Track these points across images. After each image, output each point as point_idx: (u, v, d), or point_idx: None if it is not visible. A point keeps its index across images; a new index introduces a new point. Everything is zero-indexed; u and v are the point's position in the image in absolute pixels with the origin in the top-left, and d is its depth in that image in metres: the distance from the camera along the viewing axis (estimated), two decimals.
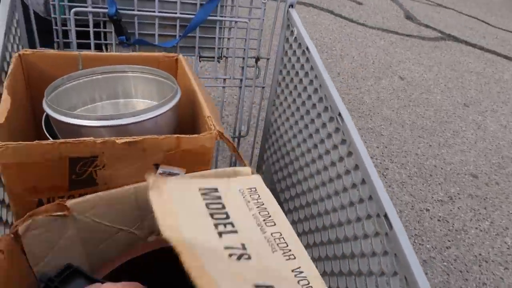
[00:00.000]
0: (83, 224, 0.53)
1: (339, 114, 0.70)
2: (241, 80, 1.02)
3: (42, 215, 0.49)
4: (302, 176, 0.85)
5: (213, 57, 0.99)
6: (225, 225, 0.49)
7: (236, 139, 1.09)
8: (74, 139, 0.49)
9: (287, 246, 0.48)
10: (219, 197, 0.54)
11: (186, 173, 0.59)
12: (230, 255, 0.45)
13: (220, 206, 0.52)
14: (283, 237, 0.48)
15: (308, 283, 0.43)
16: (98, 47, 0.93)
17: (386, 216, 0.54)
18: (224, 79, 1.02)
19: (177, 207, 0.51)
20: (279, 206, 0.53)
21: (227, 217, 0.51)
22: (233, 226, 0.50)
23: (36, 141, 0.48)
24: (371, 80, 2.90)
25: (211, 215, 0.50)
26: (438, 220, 1.76)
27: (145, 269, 0.54)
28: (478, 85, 3.10)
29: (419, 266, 0.47)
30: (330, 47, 3.22)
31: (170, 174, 0.58)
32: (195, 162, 0.58)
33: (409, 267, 0.48)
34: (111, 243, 0.56)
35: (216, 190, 0.55)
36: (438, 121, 2.53)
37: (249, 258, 0.46)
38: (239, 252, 0.46)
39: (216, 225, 0.49)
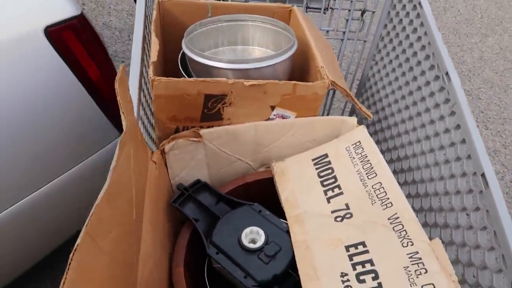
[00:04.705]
0: (210, 150, 0.64)
1: (447, 73, 0.71)
2: (344, 32, 1.04)
3: (182, 139, 0.61)
4: (396, 131, 0.88)
5: (320, 8, 1.01)
6: (333, 189, 0.58)
7: (332, 91, 1.13)
8: (211, 79, 0.58)
9: (386, 195, 0.54)
10: (329, 162, 0.62)
11: (297, 117, 0.66)
12: (336, 218, 0.54)
13: (329, 171, 0.61)
14: (382, 187, 0.54)
15: (402, 227, 0.49)
16: None
17: (483, 175, 0.57)
18: (327, 31, 1.05)
19: (295, 182, 0.61)
20: (381, 156, 0.58)
21: (335, 180, 0.59)
22: (339, 188, 0.58)
23: (182, 78, 0.58)
24: (475, 38, 2.65)
25: (322, 182, 0.60)
26: None
27: (255, 193, 0.64)
28: None
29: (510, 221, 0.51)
30: None
31: (283, 117, 0.66)
32: (305, 108, 0.65)
33: (501, 222, 0.52)
34: (229, 170, 0.67)
35: (326, 156, 0.63)
36: None
37: (351, 216, 0.54)
38: (343, 213, 0.54)
39: (325, 192, 0.58)
